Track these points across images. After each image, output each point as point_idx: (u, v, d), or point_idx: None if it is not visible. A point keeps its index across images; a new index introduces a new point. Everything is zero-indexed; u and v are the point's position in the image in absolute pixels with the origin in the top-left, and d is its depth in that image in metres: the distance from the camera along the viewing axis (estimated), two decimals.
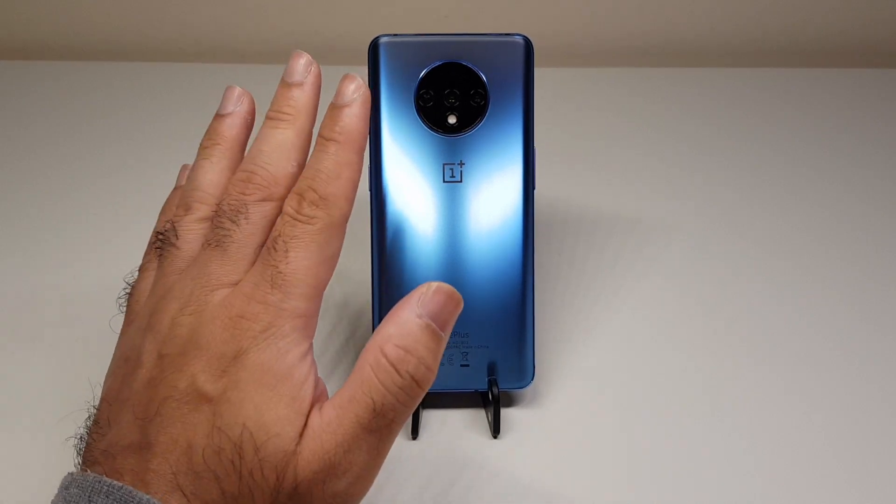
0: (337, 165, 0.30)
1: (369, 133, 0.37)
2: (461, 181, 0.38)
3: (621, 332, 0.45)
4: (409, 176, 0.37)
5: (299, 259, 0.29)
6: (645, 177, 0.60)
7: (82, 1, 0.77)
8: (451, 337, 0.37)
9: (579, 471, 0.37)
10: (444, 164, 0.37)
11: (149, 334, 0.29)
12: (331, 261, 0.30)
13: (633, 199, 0.57)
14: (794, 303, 0.48)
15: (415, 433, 0.38)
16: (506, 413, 0.39)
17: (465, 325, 0.38)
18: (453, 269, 0.38)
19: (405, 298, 0.29)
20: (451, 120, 0.37)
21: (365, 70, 0.37)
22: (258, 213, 0.30)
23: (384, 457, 0.29)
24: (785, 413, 0.40)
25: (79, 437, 0.29)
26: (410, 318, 0.28)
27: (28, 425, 0.39)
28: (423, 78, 0.37)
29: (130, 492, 0.25)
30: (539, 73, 0.38)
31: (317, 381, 0.29)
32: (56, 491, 0.27)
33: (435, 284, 0.29)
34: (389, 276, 0.38)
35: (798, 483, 0.37)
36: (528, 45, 0.37)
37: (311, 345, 0.29)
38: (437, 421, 0.39)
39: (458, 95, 0.37)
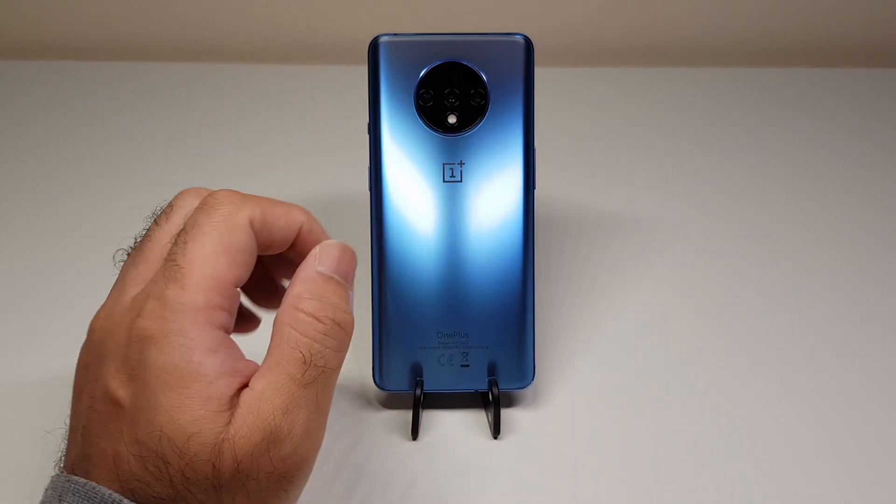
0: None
1: (370, 132, 0.37)
2: (461, 181, 0.38)
3: (622, 332, 0.45)
4: (409, 176, 0.37)
5: (195, 250, 0.28)
6: (645, 177, 0.60)
7: (82, 1, 0.77)
8: (451, 337, 0.38)
9: (580, 471, 0.37)
10: (444, 164, 0.37)
11: (83, 345, 0.30)
12: (232, 252, 0.28)
13: (633, 199, 0.57)
14: (794, 303, 0.48)
15: (415, 434, 0.38)
16: (506, 413, 0.39)
17: (464, 324, 0.38)
18: (453, 268, 0.38)
19: (303, 262, 0.30)
20: (451, 120, 0.37)
21: (365, 69, 0.37)
22: (179, 214, 0.30)
23: (325, 414, 0.29)
24: (786, 414, 0.40)
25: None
26: (313, 275, 0.29)
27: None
28: (423, 77, 0.37)
29: (94, 488, 0.26)
30: (539, 73, 0.38)
31: (236, 369, 0.28)
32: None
33: (327, 242, 0.30)
34: (389, 276, 0.38)
35: (799, 484, 0.37)
36: (528, 45, 0.37)
37: (224, 336, 0.28)
38: (437, 421, 0.39)
39: (458, 95, 0.37)
